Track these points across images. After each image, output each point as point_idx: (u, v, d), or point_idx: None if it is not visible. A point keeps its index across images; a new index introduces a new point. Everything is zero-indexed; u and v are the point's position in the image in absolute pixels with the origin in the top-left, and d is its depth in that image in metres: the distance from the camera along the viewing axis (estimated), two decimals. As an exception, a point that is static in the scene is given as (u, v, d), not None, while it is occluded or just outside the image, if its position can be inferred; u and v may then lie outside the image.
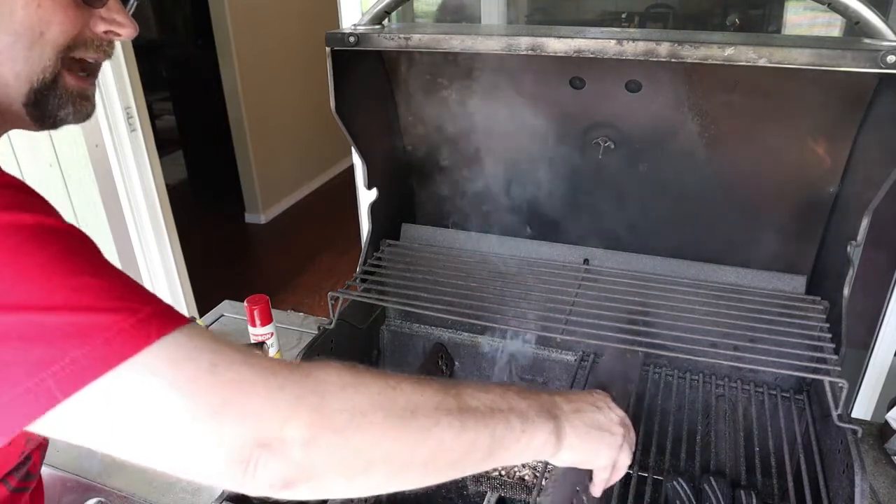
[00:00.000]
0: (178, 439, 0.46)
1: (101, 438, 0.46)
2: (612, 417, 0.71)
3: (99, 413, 0.45)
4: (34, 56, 0.60)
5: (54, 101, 0.63)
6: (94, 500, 1.04)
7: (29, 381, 0.44)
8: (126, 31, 0.65)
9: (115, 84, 2.20)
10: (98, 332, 0.45)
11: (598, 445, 0.68)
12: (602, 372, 0.89)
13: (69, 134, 2.14)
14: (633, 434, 0.74)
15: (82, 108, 0.65)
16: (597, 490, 0.73)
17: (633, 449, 0.73)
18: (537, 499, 0.84)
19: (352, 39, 0.87)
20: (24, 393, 0.44)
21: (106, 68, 2.17)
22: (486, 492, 0.93)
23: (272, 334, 1.18)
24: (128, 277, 0.50)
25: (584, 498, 0.75)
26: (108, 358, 0.45)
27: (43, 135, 1.81)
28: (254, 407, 0.48)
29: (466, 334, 1.23)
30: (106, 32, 0.64)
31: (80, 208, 2.28)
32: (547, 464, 1.00)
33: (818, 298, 1.00)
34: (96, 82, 0.68)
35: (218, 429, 0.46)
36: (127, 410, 0.45)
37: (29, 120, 0.64)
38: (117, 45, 0.69)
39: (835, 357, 0.84)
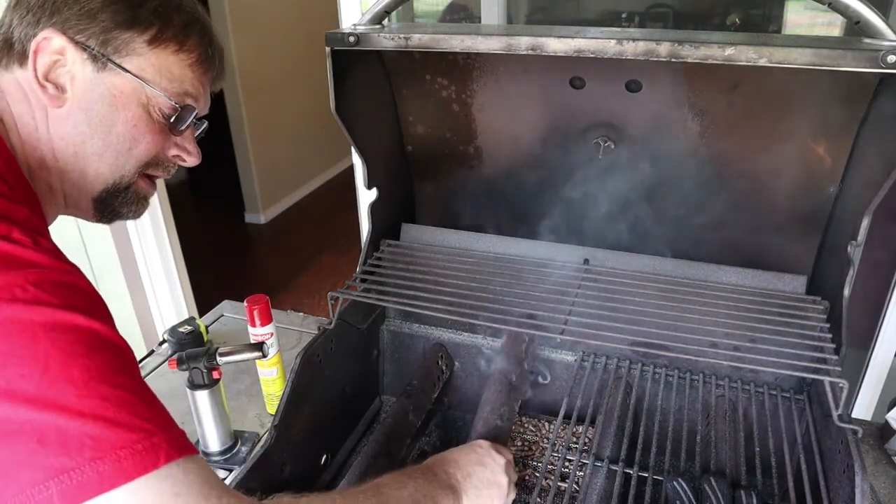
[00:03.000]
0: None
1: None
2: (496, 469, 0.85)
3: None
4: (118, 164, 0.69)
5: (121, 200, 0.72)
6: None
7: (33, 486, 0.46)
8: (192, 159, 0.76)
9: (115, 84, 2.19)
10: (112, 450, 0.47)
11: (490, 501, 0.83)
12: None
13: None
14: (514, 474, 0.90)
15: (140, 208, 0.75)
16: None
17: (516, 481, 0.90)
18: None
19: (352, 39, 0.87)
20: (27, 499, 0.46)
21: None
22: None
23: (272, 334, 1.18)
24: (152, 395, 0.54)
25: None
26: (115, 477, 0.47)
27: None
28: None
29: (466, 334, 1.23)
30: (175, 156, 0.75)
31: (80, 208, 2.28)
32: (547, 464, 1.00)
33: (818, 298, 1.00)
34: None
35: None
36: None
37: (92, 212, 0.72)
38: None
39: (835, 357, 0.84)
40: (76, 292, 0.53)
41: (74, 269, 0.55)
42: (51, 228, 0.64)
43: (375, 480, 0.73)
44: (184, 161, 0.76)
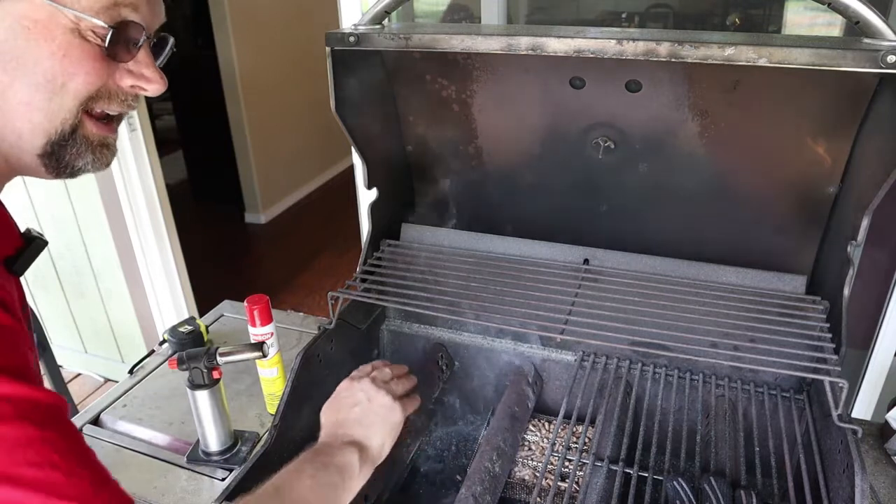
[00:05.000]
0: None
1: None
2: (367, 392, 0.87)
3: None
4: (54, 107, 0.56)
5: (73, 150, 0.59)
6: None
7: None
8: (153, 87, 0.61)
9: (115, 84, 2.19)
10: None
11: (386, 423, 0.86)
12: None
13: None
14: (381, 372, 0.92)
15: (102, 157, 0.62)
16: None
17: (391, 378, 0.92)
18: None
19: (352, 39, 0.87)
20: None
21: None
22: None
23: (272, 334, 1.18)
24: (77, 457, 0.49)
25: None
26: None
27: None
28: None
29: (466, 334, 1.23)
30: (132, 87, 0.60)
31: (79, 208, 2.28)
32: (547, 464, 1.00)
33: (818, 298, 1.00)
34: (118, 129, 0.64)
35: None
36: None
37: (43, 170, 0.60)
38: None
39: (835, 357, 0.84)
40: None
41: None
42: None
43: (273, 480, 0.72)
44: (144, 90, 0.61)
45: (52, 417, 0.48)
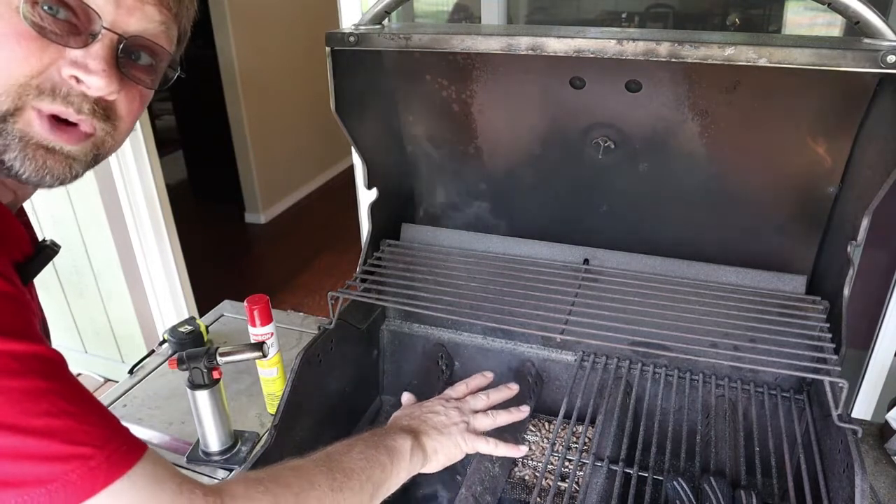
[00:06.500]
0: None
1: None
2: (447, 411, 0.88)
3: None
4: None
5: (4, 141, 0.52)
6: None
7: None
8: (92, 79, 0.52)
9: (115, 84, 2.19)
10: (41, 484, 0.45)
11: (452, 439, 0.85)
12: None
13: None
14: (468, 404, 0.92)
15: (37, 161, 0.53)
16: (503, 450, 0.90)
17: (483, 408, 0.92)
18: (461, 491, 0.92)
19: (352, 39, 0.87)
20: None
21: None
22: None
23: (272, 334, 1.18)
24: (86, 402, 0.50)
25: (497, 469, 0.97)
26: (107, 475, 0.47)
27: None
28: None
29: (466, 334, 1.23)
30: (71, 76, 0.52)
31: (79, 208, 2.28)
32: (547, 464, 1.00)
33: (818, 298, 1.00)
34: (84, 145, 0.57)
35: None
36: None
37: None
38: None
39: (835, 357, 0.84)
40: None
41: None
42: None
43: (326, 449, 0.73)
44: (81, 81, 0.53)
45: (58, 370, 0.50)
